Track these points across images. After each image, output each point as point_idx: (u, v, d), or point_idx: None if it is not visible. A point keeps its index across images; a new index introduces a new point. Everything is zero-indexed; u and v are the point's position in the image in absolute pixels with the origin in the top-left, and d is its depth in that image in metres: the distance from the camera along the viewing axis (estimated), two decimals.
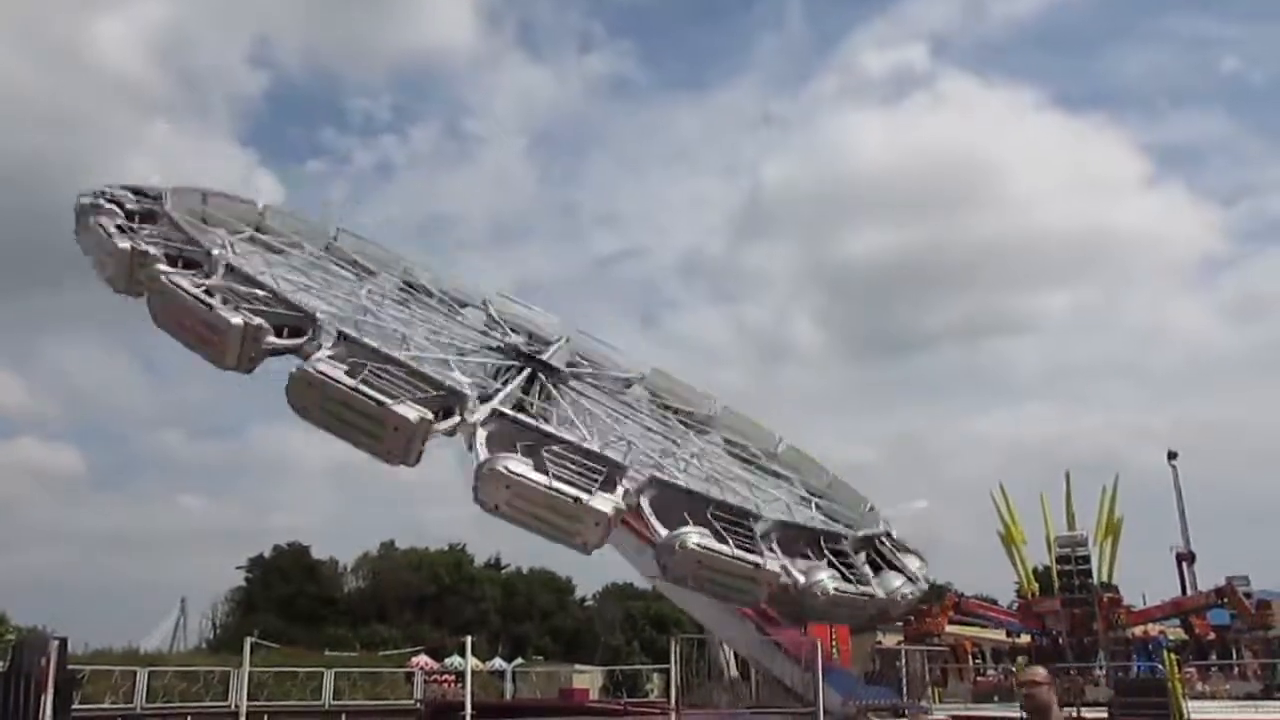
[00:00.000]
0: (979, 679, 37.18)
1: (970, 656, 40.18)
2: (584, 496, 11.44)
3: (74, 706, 14.96)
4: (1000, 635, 41.63)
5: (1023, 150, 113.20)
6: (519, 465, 11.55)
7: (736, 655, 17.64)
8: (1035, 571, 43.28)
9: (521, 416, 13.71)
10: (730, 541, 12.16)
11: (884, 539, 15.24)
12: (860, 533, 15.07)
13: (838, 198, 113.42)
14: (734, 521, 12.84)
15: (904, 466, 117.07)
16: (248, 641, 14.19)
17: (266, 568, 62.08)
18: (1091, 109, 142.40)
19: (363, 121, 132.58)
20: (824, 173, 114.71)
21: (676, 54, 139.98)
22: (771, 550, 12.75)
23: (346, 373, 12.08)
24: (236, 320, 12.70)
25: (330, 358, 12.42)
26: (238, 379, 13.39)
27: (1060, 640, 35.54)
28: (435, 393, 12.68)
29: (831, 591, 12.62)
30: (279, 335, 13.13)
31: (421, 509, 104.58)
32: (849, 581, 13.11)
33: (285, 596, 59.36)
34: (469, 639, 15.80)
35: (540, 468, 11.61)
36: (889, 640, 33.39)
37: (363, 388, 11.76)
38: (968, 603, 43.61)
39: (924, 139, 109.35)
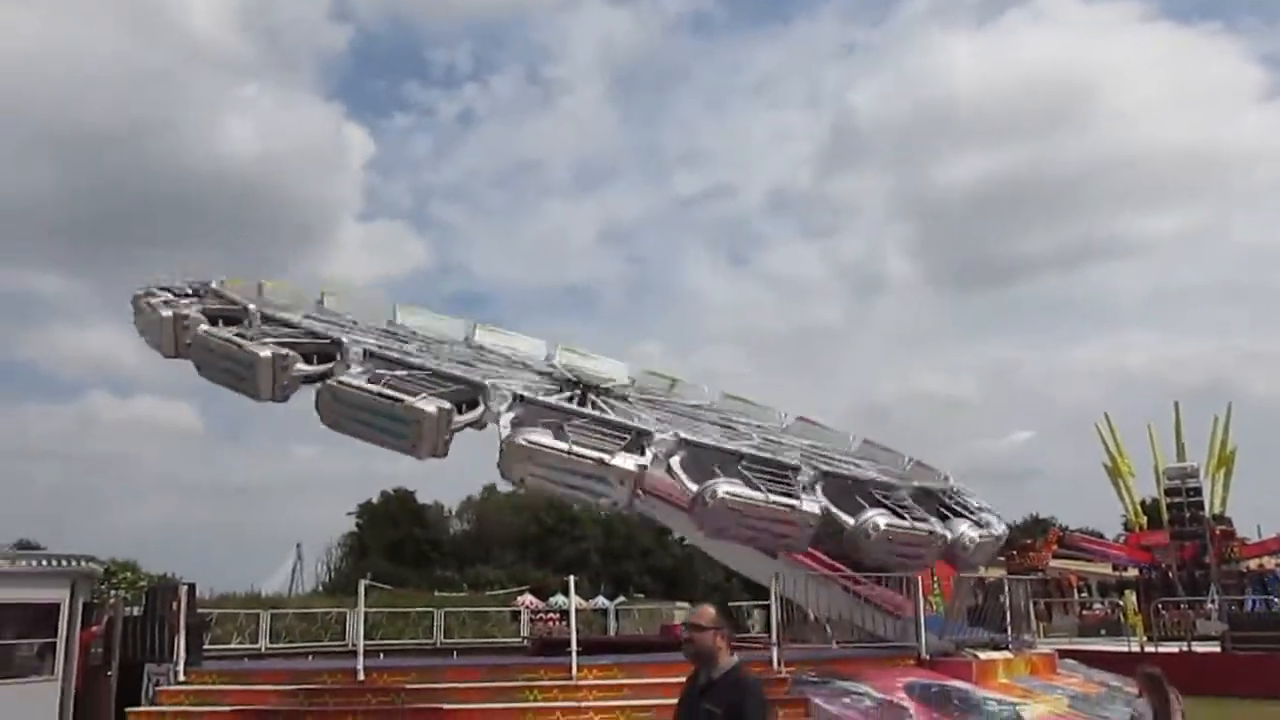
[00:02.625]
0: (1085, 613, 36.74)
1: (1076, 590, 39.68)
2: (606, 458, 11.81)
3: (204, 646, 15.80)
4: (1106, 569, 40.94)
5: (1128, 64, 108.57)
6: (540, 435, 11.96)
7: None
8: (1143, 504, 42.31)
9: (541, 398, 14.12)
10: (763, 488, 12.23)
11: (948, 493, 15.02)
12: (917, 483, 14.82)
13: (930, 123, 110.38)
14: (769, 473, 12.89)
15: (1004, 398, 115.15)
16: (362, 584, 14.74)
17: (375, 513, 64.24)
18: (1204, 18, 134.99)
19: (444, 72, 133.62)
20: (915, 98, 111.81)
21: None
22: (811, 495, 12.71)
23: (369, 380, 12.68)
24: (265, 353, 13.35)
25: (357, 373, 13.08)
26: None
27: (1170, 574, 34.83)
28: (456, 387, 13.24)
29: (882, 527, 12.47)
30: (309, 363, 13.73)
31: None
32: (902, 519, 12.92)
33: (394, 541, 61.38)
34: (572, 578, 16.19)
35: (561, 438, 12.09)
36: (991, 574, 33.08)
37: (384, 390, 12.34)
38: (1072, 536, 42.96)
39: (1022, 57, 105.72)
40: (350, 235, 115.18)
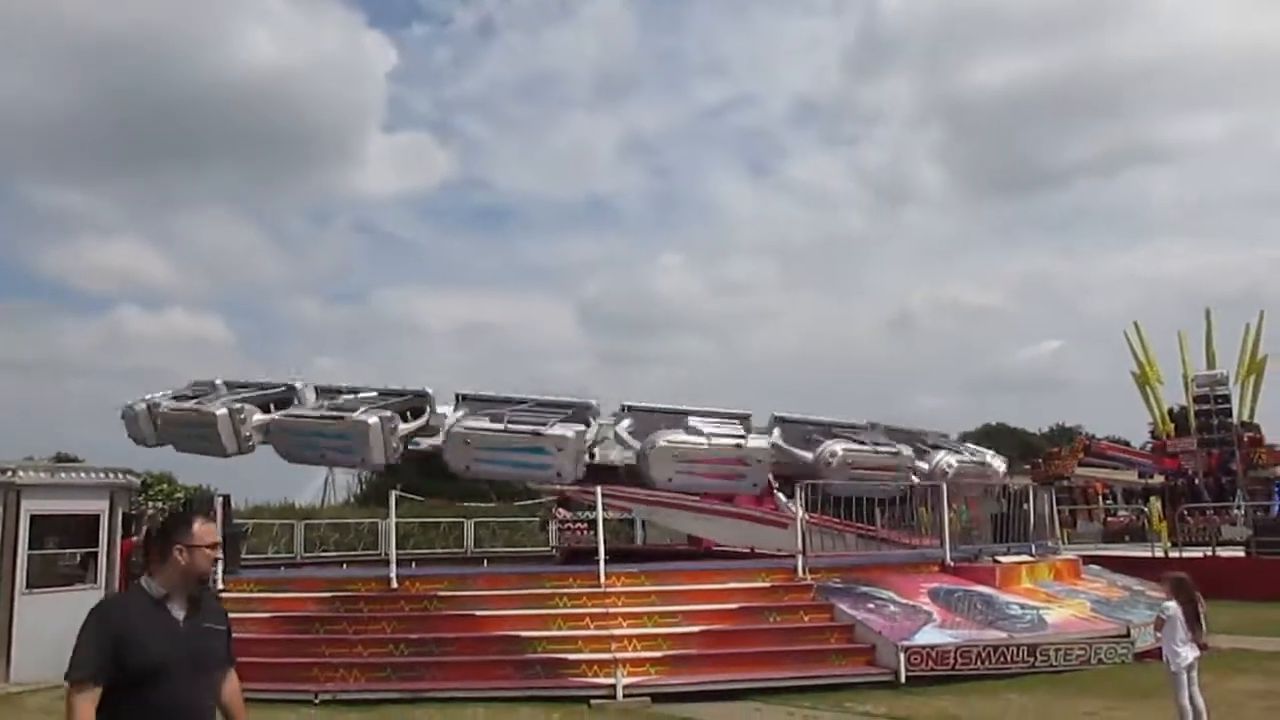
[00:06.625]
0: (1109, 519, 36.93)
1: (1101, 498, 39.82)
2: (541, 429, 12.01)
3: (242, 556, 16.20)
4: (1133, 476, 40.97)
5: None
6: (477, 421, 12.80)
7: None
8: (1171, 412, 42.12)
9: (484, 393, 14.89)
10: (705, 433, 12.42)
11: (931, 435, 15.21)
12: (885, 423, 15.03)
13: (963, 21, 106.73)
14: (719, 423, 13.20)
15: (1035, 307, 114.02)
16: (392, 495, 15.03)
17: None
18: None
19: None
20: None
21: None
22: (765, 436, 12.97)
23: (314, 407, 12.93)
24: (221, 410, 13.85)
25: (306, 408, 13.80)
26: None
27: (1196, 481, 34.85)
28: (400, 400, 13.84)
29: (840, 453, 12.69)
30: (266, 411, 14.19)
31: (545, 365, 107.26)
32: (862, 444, 13.13)
33: (423, 453, 62.19)
34: (599, 488, 16.39)
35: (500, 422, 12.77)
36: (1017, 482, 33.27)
37: (326, 413, 12.60)
38: (1098, 445, 42.94)
39: None
40: (376, 147, 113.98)
